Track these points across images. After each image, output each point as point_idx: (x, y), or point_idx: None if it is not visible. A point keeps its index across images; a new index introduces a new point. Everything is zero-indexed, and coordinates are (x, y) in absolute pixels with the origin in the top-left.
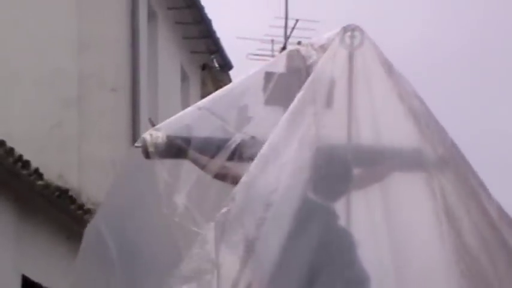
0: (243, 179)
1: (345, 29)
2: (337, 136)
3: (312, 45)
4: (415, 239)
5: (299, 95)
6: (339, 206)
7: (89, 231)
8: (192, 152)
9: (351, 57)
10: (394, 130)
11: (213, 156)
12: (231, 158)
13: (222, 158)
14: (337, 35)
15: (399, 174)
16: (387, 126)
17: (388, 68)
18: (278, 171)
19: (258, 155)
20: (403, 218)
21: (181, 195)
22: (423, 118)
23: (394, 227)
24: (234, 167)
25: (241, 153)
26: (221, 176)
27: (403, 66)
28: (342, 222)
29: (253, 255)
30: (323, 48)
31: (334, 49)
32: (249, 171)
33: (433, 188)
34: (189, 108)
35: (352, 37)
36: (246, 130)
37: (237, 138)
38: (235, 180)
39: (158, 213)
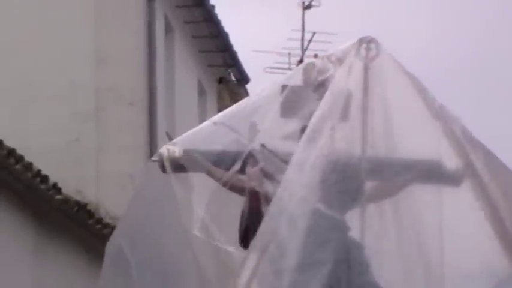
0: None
1: (361, 41)
2: (352, 149)
3: (328, 57)
4: (429, 252)
5: (317, 111)
6: (354, 220)
7: (110, 247)
8: (208, 166)
9: (366, 69)
10: (411, 142)
11: (228, 169)
12: (243, 169)
13: (237, 170)
14: (353, 47)
15: (415, 188)
16: (404, 138)
17: (407, 78)
18: (297, 186)
19: (284, 176)
20: (418, 232)
21: (198, 209)
22: (448, 127)
23: (408, 240)
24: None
25: (251, 162)
26: (238, 189)
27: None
28: (355, 235)
29: (267, 274)
30: (339, 60)
31: (349, 61)
32: (276, 193)
33: (447, 201)
34: (205, 123)
35: (367, 49)
36: (258, 140)
37: (248, 148)
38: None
39: (177, 227)
